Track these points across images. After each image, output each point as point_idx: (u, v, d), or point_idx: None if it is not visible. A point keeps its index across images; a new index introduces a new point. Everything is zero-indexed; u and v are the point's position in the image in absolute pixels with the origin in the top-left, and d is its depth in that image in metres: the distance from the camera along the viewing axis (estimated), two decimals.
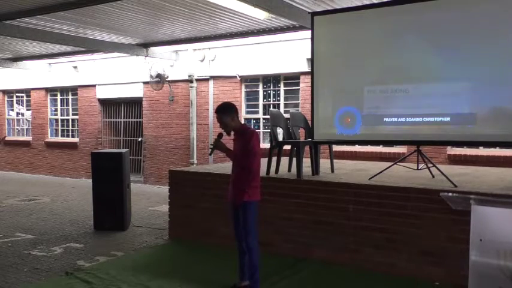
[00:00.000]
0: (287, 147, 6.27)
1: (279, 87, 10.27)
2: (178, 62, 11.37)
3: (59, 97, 14.52)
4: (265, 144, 9.40)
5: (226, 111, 4.23)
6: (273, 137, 6.11)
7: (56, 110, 14.66)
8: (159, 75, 10.90)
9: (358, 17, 5.66)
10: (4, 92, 15.85)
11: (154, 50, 10.60)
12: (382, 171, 5.59)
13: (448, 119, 5.11)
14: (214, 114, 4.35)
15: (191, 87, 11.13)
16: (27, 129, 15.56)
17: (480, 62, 4.93)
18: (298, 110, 9.41)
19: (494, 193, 4.39)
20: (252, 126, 10.57)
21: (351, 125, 5.63)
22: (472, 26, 4.97)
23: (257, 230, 4.27)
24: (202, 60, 10.89)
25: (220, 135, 4.29)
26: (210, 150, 4.35)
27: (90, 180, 7.27)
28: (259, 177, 4.33)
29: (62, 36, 9.13)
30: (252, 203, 4.21)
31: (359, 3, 6.64)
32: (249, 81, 10.68)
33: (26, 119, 15.60)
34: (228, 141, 4.42)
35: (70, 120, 14.33)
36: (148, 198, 9.99)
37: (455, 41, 5.04)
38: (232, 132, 4.31)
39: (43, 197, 10.17)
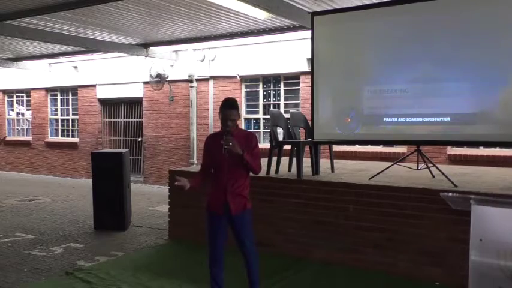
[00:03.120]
0: (287, 147, 6.27)
1: (279, 87, 10.27)
2: (178, 62, 11.37)
3: (59, 97, 14.52)
4: (265, 144, 9.40)
5: (238, 108, 3.82)
6: (273, 137, 6.11)
7: (56, 110, 14.66)
8: (159, 75, 10.90)
9: (358, 17, 5.65)
10: (4, 92, 15.85)
11: (154, 50, 10.60)
12: (382, 171, 5.59)
13: (448, 119, 5.10)
14: (218, 109, 3.67)
15: (191, 87, 11.13)
16: (27, 129, 15.56)
17: (480, 62, 4.93)
18: (298, 110, 9.41)
19: (494, 193, 4.39)
20: (252, 127, 10.60)
21: (351, 125, 5.63)
22: (472, 26, 4.97)
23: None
24: (202, 60, 10.89)
25: (229, 133, 3.70)
26: (223, 149, 3.66)
27: (90, 180, 7.27)
28: None
29: (62, 36, 9.13)
30: (251, 209, 3.91)
31: (359, 3, 6.63)
32: (249, 81, 10.68)
33: (26, 119, 15.60)
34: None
35: (70, 120, 14.33)
36: (149, 198, 9.99)
37: (455, 41, 5.04)
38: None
39: (43, 197, 10.17)
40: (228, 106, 3.78)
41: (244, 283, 3.94)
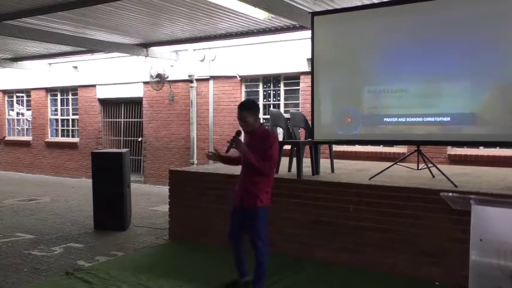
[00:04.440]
0: (287, 147, 6.27)
1: (279, 87, 10.27)
2: (178, 62, 11.37)
3: (59, 97, 14.52)
4: None
5: (252, 109, 4.03)
6: None
7: (56, 110, 14.66)
8: (159, 75, 10.90)
9: (358, 17, 5.65)
10: (4, 92, 15.85)
11: (154, 50, 10.60)
12: (382, 171, 5.59)
13: (448, 119, 5.10)
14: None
15: (191, 87, 11.13)
16: (27, 129, 15.56)
17: (480, 62, 4.93)
18: (298, 110, 9.41)
19: (494, 193, 4.38)
20: None
21: (351, 125, 5.63)
22: (472, 26, 4.97)
23: (267, 235, 4.17)
24: (202, 60, 10.89)
25: (239, 133, 4.00)
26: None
27: (90, 180, 7.27)
28: (273, 182, 4.21)
29: (62, 36, 9.13)
30: (264, 208, 4.09)
31: (359, 3, 6.64)
32: (249, 81, 10.68)
33: (26, 119, 15.60)
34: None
35: (70, 120, 14.33)
36: (149, 198, 9.99)
37: (455, 40, 5.04)
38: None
39: (43, 197, 10.17)
40: (240, 108, 4.06)
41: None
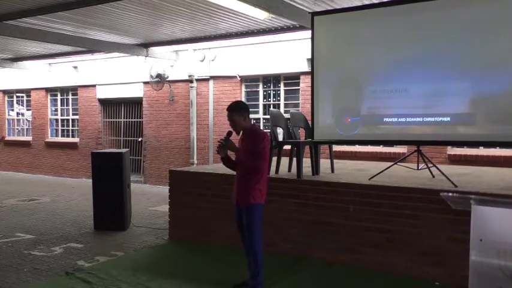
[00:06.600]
0: (287, 147, 6.27)
1: (279, 87, 10.27)
2: (178, 62, 11.37)
3: (59, 97, 14.52)
4: None
5: (238, 110, 4.20)
6: (273, 137, 6.11)
7: (56, 110, 14.66)
8: (159, 75, 10.90)
9: (358, 17, 5.65)
10: (4, 92, 15.85)
11: (154, 50, 10.60)
12: (382, 171, 5.59)
13: (448, 119, 5.10)
14: (226, 112, 4.28)
15: (191, 87, 11.13)
16: (27, 129, 15.56)
17: (480, 62, 4.93)
18: (298, 110, 9.41)
19: (494, 193, 4.39)
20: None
21: (351, 125, 5.63)
22: (472, 26, 4.97)
23: (262, 232, 4.24)
24: (202, 60, 10.89)
25: (229, 133, 4.21)
26: (218, 147, 4.23)
27: (90, 180, 7.27)
28: (267, 180, 4.30)
29: (62, 36, 9.13)
30: (257, 205, 4.16)
31: (359, 3, 6.64)
32: (249, 81, 10.68)
33: (26, 119, 15.60)
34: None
35: (70, 120, 14.33)
36: (149, 198, 9.99)
37: (455, 40, 5.04)
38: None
39: (43, 197, 10.17)
40: (228, 109, 4.24)
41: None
